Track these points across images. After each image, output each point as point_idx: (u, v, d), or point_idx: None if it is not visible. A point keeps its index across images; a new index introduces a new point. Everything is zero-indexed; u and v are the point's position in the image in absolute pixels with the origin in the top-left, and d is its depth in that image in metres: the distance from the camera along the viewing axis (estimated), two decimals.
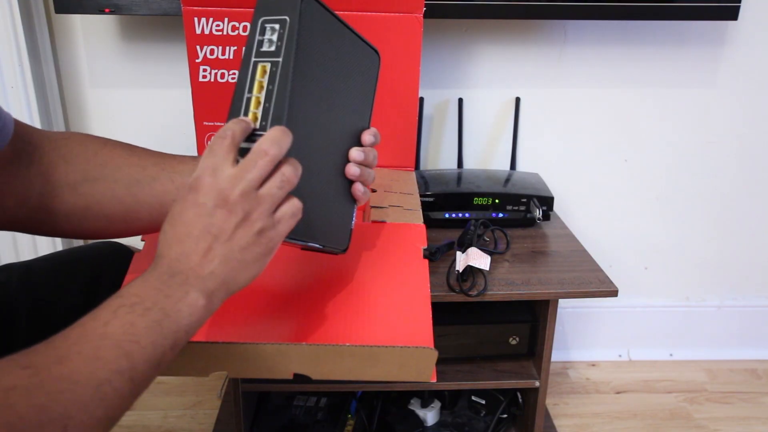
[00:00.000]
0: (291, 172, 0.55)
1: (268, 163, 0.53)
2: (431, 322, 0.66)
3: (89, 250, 0.76)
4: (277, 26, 0.58)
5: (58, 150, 0.62)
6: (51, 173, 0.61)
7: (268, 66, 0.58)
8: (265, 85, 0.57)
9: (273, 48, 0.58)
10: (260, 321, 0.66)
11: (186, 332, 0.50)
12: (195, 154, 1.03)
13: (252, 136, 0.56)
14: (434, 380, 0.62)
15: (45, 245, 1.21)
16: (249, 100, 0.57)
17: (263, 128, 0.56)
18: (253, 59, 0.58)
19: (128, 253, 0.75)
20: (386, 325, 0.66)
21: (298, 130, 0.56)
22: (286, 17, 0.58)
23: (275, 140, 0.54)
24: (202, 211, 0.51)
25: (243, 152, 0.55)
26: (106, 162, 0.63)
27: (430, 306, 0.68)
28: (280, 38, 0.58)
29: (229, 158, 0.53)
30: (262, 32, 0.59)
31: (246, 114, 0.57)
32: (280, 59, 0.58)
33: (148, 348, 0.47)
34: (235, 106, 0.57)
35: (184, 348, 0.50)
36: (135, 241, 0.75)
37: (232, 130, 0.54)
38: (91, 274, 0.73)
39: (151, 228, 0.66)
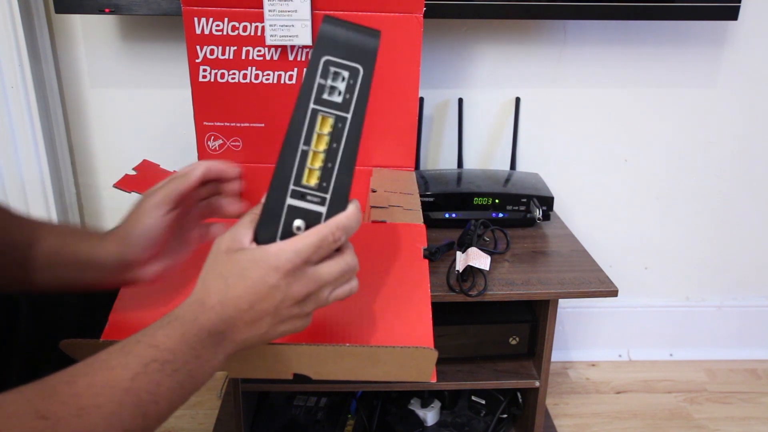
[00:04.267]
0: (354, 262, 0.55)
1: (334, 245, 0.53)
2: (431, 322, 0.66)
3: None
4: (346, 74, 0.52)
5: None
6: None
7: (332, 120, 0.52)
8: (327, 141, 0.52)
9: (340, 99, 0.52)
10: None
11: (200, 387, 0.51)
12: (195, 153, 1.03)
13: (304, 192, 0.53)
14: (434, 380, 0.62)
15: None
16: (305, 153, 0.52)
17: (323, 190, 0.53)
18: (312, 105, 0.52)
19: None
20: (386, 325, 0.66)
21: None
22: (359, 66, 0.52)
23: (348, 228, 0.53)
24: (270, 282, 0.51)
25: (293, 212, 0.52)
26: None
27: (430, 306, 0.68)
28: (349, 90, 0.52)
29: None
30: (325, 75, 0.52)
31: (301, 169, 0.52)
32: (349, 116, 0.52)
33: (165, 408, 0.48)
34: (288, 156, 0.52)
35: None
36: None
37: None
38: None
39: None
